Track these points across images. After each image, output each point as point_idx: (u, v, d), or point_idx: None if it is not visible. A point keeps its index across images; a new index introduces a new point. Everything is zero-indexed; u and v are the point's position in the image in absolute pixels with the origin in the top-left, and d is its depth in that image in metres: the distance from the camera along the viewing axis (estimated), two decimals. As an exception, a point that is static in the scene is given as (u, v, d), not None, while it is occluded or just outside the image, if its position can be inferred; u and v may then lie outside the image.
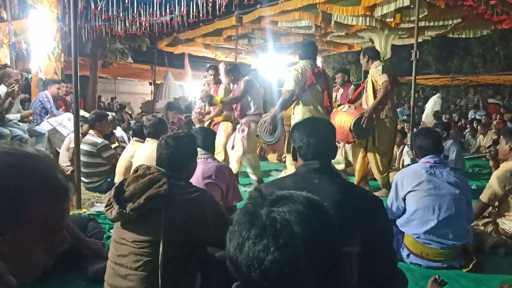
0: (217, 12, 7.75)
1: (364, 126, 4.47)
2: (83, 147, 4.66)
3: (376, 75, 4.56)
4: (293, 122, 4.19)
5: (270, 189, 0.82)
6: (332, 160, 1.80)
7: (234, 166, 5.06)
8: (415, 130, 5.75)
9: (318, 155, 1.65)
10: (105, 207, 1.99)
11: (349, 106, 4.81)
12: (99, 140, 4.72)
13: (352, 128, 4.47)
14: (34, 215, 0.82)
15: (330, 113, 4.51)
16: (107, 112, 5.70)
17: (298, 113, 4.40)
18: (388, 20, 7.37)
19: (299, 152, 1.71)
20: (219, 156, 5.23)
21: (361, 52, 4.97)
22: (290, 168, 4.80)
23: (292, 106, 4.47)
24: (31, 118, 5.38)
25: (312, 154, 1.66)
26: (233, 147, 5.17)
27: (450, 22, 7.54)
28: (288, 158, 4.86)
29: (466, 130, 10.66)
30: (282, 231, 0.71)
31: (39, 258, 0.85)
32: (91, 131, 4.82)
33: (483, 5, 6.12)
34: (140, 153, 3.96)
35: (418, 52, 5.31)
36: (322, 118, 1.76)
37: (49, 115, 5.90)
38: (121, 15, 8.50)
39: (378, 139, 4.68)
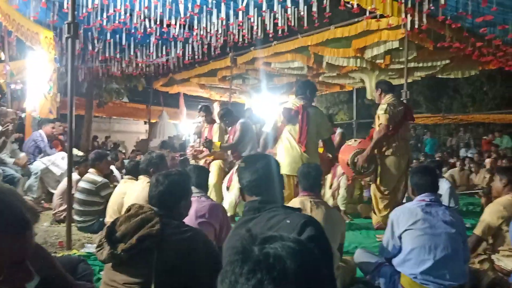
0: (212, 54, 7.93)
1: (359, 163, 4.49)
2: (81, 184, 4.67)
3: (379, 113, 4.48)
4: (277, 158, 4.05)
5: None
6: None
7: (228, 207, 4.93)
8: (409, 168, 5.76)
9: (258, 193, 1.77)
10: (96, 247, 1.95)
11: (354, 140, 4.83)
12: (99, 178, 4.72)
13: (349, 163, 4.52)
14: None
15: (306, 151, 4.13)
16: (107, 152, 5.71)
17: (278, 151, 4.26)
18: (378, 61, 7.58)
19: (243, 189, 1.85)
20: (210, 195, 5.16)
21: (376, 85, 4.87)
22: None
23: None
24: (25, 163, 5.36)
25: (252, 192, 1.80)
26: (228, 187, 5.11)
27: (439, 63, 7.76)
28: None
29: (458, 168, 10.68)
30: (276, 265, 0.72)
31: None
32: (91, 170, 4.83)
33: (470, 47, 6.31)
34: (132, 191, 3.93)
35: (408, 92, 5.41)
36: (259, 157, 1.94)
37: (42, 154, 5.88)
38: (118, 56, 8.67)
39: (380, 177, 4.55)
